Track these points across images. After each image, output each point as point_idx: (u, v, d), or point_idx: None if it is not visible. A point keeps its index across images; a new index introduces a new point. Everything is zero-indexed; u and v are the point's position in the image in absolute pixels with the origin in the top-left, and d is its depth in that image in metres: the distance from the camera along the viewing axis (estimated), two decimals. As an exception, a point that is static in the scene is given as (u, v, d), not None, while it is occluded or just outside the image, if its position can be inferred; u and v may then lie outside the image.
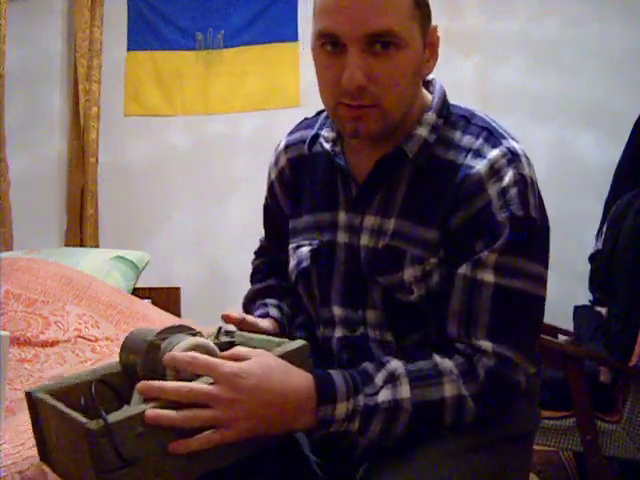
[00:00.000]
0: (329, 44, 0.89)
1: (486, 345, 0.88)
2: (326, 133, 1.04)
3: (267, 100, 3.38)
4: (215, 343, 0.91)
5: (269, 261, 1.23)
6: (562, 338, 2.35)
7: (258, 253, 1.26)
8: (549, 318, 2.07)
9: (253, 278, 1.23)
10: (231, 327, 0.97)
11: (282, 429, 0.82)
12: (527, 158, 0.93)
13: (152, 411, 0.74)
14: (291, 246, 1.08)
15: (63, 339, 1.98)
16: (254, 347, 0.91)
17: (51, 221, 3.39)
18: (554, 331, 2.34)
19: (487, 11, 3.18)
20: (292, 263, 1.07)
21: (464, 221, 0.91)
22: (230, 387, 0.78)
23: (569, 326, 2.36)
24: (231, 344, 0.93)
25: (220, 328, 0.97)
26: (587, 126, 3.08)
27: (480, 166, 0.90)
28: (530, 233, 0.90)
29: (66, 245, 3.38)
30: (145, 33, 3.47)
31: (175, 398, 0.76)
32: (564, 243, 3.15)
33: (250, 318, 1.01)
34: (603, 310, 2.26)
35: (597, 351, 2.00)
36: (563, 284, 2.71)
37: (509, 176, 0.90)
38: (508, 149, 0.92)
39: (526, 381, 0.91)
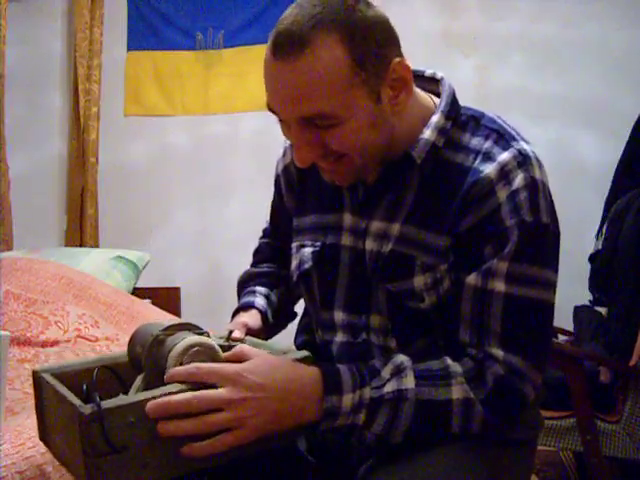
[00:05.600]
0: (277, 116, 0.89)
1: (497, 353, 0.87)
2: None
3: (267, 100, 3.37)
4: (225, 346, 0.91)
5: (272, 244, 1.23)
6: (562, 338, 2.35)
7: (265, 232, 1.27)
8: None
9: (255, 256, 1.24)
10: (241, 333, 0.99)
11: (290, 422, 0.81)
12: (538, 161, 0.91)
13: (164, 426, 0.74)
14: (294, 245, 1.07)
15: (63, 339, 1.98)
16: None
17: (51, 221, 3.39)
18: (554, 331, 2.34)
19: (487, 11, 3.18)
20: (294, 263, 1.06)
21: (473, 225, 0.89)
22: (236, 387, 0.78)
23: (569, 326, 2.36)
24: None
25: (231, 332, 0.97)
26: (587, 126, 3.08)
27: (490, 169, 0.89)
28: (540, 239, 0.89)
29: (66, 245, 3.38)
30: (145, 33, 3.47)
31: (187, 410, 0.76)
32: (564, 243, 3.13)
33: (249, 326, 1.03)
34: (603, 310, 2.25)
35: (597, 351, 2.00)
36: (563, 284, 2.68)
37: (519, 179, 0.88)
38: (519, 151, 0.90)
39: (534, 394, 0.90)
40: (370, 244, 0.96)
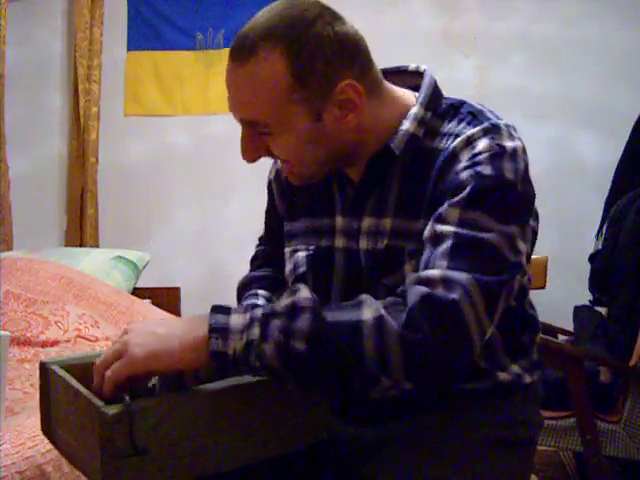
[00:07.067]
0: None
1: (433, 273, 0.80)
2: None
3: (267, 100, 3.38)
4: None
5: (268, 250, 1.23)
6: (562, 338, 2.35)
7: (260, 240, 1.27)
8: (549, 318, 2.08)
9: (252, 263, 1.24)
10: None
11: (176, 342, 0.78)
12: (510, 132, 0.89)
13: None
14: (287, 250, 1.07)
15: (63, 339, 1.98)
16: None
17: (51, 221, 3.39)
18: (554, 331, 2.34)
19: (487, 11, 3.18)
20: (288, 267, 1.06)
21: (439, 191, 0.88)
22: (122, 332, 0.83)
23: (569, 326, 2.36)
24: None
25: None
26: (587, 126, 3.08)
27: (456, 142, 0.88)
28: (500, 193, 0.85)
29: (66, 245, 3.38)
30: (145, 33, 3.47)
31: (104, 367, 0.79)
32: (564, 243, 3.15)
33: None
34: (603, 310, 2.26)
35: (597, 351, 2.00)
36: (563, 284, 2.71)
37: (482, 144, 0.86)
38: (489, 124, 0.89)
39: (465, 299, 0.78)
40: (364, 242, 0.97)
